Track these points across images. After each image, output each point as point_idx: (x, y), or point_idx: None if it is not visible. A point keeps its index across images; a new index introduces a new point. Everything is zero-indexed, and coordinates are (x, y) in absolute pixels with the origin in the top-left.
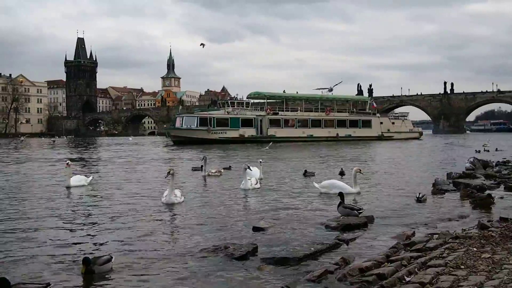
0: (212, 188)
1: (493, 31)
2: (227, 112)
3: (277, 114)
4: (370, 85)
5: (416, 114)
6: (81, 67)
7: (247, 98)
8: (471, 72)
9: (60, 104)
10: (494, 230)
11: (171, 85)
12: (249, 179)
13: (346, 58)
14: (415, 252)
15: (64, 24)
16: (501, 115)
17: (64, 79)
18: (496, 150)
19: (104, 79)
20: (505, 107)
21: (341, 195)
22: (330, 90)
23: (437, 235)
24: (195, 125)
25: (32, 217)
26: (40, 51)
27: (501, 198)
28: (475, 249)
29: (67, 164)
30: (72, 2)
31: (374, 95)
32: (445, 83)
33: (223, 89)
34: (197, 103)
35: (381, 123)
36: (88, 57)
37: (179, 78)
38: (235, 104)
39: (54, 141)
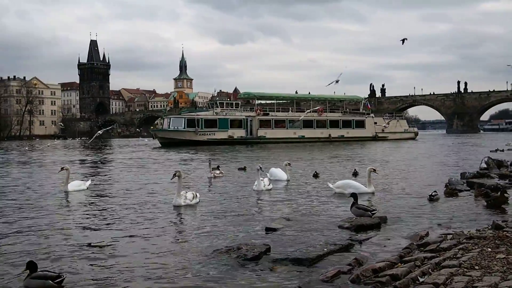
0: (225, 189)
1: (507, 30)
2: (215, 113)
3: (267, 114)
4: (383, 85)
5: (430, 113)
6: (94, 69)
7: (237, 98)
8: (484, 71)
9: (74, 106)
10: (509, 230)
11: (184, 86)
12: (262, 180)
13: (359, 58)
14: (428, 253)
15: (78, 27)
16: None
17: (78, 81)
18: (509, 150)
19: (117, 81)
20: None
21: (354, 195)
22: (337, 82)
23: (451, 236)
24: (183, 126)
25: (21, 224)
26: (54, 54)
27: None
28: (489, 249)
29: (62, 168)
30: (86, 5)
31: (387, 95)
32: (458, 82)
33: (235, 90)
34: None
35: (375, 123)
36: (101, 59)
37: (192, 80)
38: (224, 104)
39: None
